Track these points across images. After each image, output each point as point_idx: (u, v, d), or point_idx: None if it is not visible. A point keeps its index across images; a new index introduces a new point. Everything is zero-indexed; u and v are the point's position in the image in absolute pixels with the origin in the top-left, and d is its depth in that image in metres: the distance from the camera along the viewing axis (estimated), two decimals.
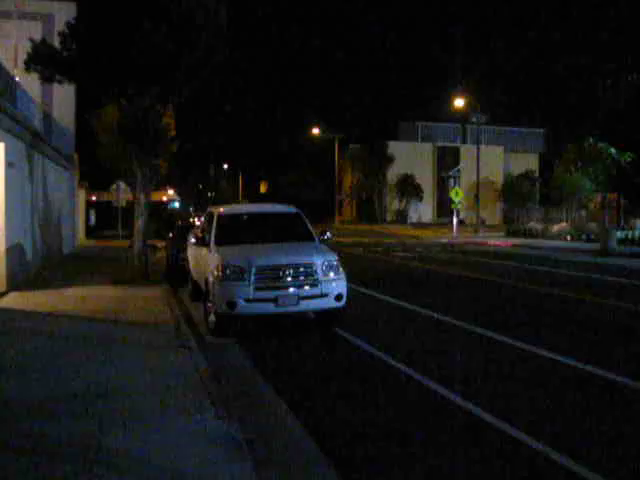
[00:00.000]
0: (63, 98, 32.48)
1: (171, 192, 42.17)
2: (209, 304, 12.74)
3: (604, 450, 6.68)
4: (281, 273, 12.08)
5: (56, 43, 18.92)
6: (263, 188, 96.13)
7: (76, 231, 37.56)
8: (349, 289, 12.96)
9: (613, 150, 30.37)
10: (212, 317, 12.52)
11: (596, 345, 11.39)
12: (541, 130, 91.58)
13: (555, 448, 6.63)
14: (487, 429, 7.27)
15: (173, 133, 32.79)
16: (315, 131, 78.54)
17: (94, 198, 56.92)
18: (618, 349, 11.06)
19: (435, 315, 14.21)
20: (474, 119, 56.32)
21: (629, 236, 36.89)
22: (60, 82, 19.28)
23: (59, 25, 21.44)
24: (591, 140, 32.70)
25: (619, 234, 35.99)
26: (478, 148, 52.29)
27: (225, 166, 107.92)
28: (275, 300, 11.97)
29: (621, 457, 6.52)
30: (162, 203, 53.85)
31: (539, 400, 8.27)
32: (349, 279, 13.21)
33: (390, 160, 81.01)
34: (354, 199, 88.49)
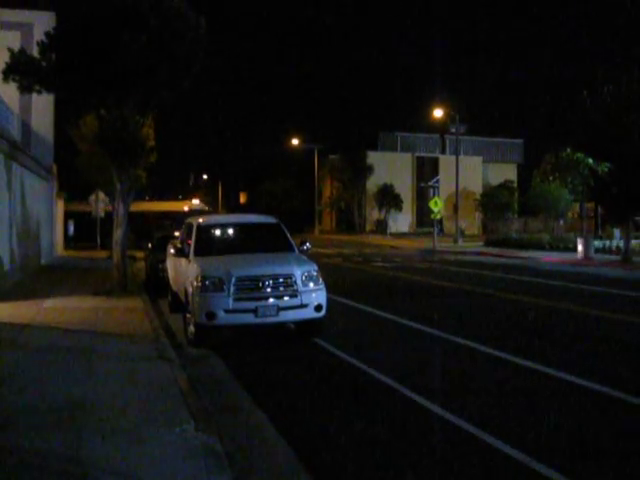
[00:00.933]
0: (42, 108, 32.32)
1: (196, 202, 40.78)
2: (188, 315, 12.71)
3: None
4: (261, 284, 12.07)
5: (35, 53, 18.84)
6: (243, 198, 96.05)
7: (55, 242, 37.31)
8: (329, 299, 12.98)
9: (590, 160, 30.64)
10: (191, 328, 12.49)
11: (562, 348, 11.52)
12: (519, 141, 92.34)
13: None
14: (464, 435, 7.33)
15: (152, 143, 32.71)
16: (295, 142, 78.67)
17: (73, 208, 56.48)
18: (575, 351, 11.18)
19: (412, 324, 14.28)
20: (453, 130, 56.69)
21: (607, 245, 37.26)
22: (39, 92, 19.18)
23: (38, 35, 21.33)
24: (568, 150, 32.97)
25: (597, 243, 36.36)
26: (457, 158, 52.59)
27: (205, 176, 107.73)
28: (255, 311, 11.97)
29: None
30: (184, 213, 50.84)
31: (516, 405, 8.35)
32: (329, 289, 13.23)
33: (369, 170, 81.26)
34: (334, 209, 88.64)
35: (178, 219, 32.94)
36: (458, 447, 7.10)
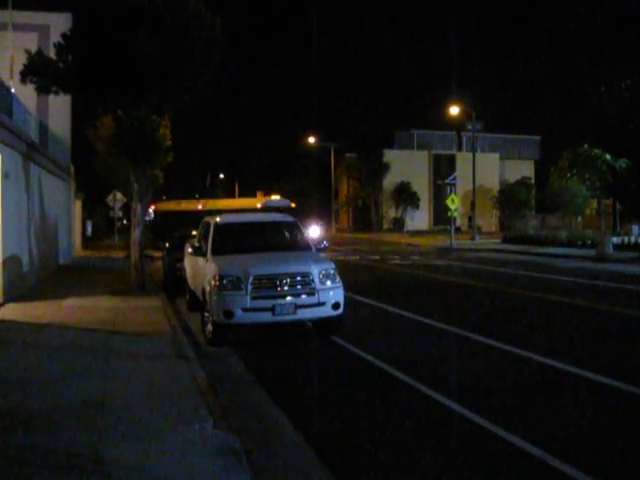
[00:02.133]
0: (59, 109, 32.50)
1: (276, 197, 38.55)
2: (206, 314, 12.74)
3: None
4: (278, 282, 12.09)
5: (52, 54, 18.96)
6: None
7: (73, 242, 37.54)
8: (346, 297, 12.98)
9: (608, 156, 30.42)
10: (209, 327, 12.52)
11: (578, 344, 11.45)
12: (536, 137, 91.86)
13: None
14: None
15: (169, 143, 32.83)
16: (311, 140, 78.69)
17: (91, 208, 56.72)
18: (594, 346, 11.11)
19: (428, 321, 14.25)
20: (469, 127, 56.46)
21: (625, 242, 36.97)
22: (56, 93, 19.31)
23: (55, 36, 21.46)
24: (586, 147, 32.78)
25: (615, 240, 36.07)
26: (474, 155, 52.38)
27: (221, 175, 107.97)
28: (272, 309, 11.98)
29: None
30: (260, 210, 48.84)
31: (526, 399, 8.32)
32: (346, 287, 13.22)
33: (386, 168, 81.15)
34: (350, 207, 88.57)
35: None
36: (470, 443, 7.10)
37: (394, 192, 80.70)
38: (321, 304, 12.29)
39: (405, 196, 79.93)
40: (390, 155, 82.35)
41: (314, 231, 30.44)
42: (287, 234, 14.73)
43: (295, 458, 6.84)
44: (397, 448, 7.08)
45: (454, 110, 53.90)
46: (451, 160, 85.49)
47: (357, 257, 35.70)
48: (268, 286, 12.07)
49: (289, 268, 12.37)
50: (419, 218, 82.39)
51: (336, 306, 12.46)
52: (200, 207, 34.68)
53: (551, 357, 10.64)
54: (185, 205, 40.57)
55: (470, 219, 59.30)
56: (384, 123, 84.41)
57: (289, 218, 15.31)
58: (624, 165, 29.33)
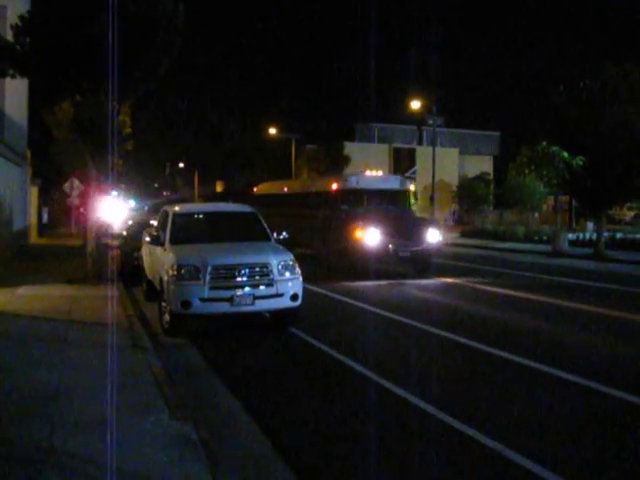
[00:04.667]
0: (15, 93, 31.89)
1: (378, 173, 31.52)
2: (164, 304, 12.64)
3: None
4: (236, 272, 12.05)
5: (9, 37, 18.58)
6: (219, 187, 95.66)
7: (28, 229, 36.95)
8: (304, 288, 12.98)
9: (565, 154, 30.80)
10: (167, 317, 12.44)
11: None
12: (496, 133, 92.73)
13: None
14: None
15: (129, 130, 32.49)
16: (272, 131, 78.48)
17: (47, 195, 55.84)
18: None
19: (386, 313, 14.36)
20: (430, 121, 56.77)
21: (580, 238, 37.55)
22: (13, 76, 18.92)
23: (12, 18, 21.03)
24: (544, 144, 33.14)
25: (571, 236, 36.64)
26: (434, 150, 52.73)
27: (181, 165, 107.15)
28: (230, 299, 11.94)
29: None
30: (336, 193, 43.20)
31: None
32: (304, 278, 13.22)
33: (346, 161, 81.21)
34: None
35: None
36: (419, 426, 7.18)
37: None
38: (279, 295, 12.28)
39: None
40: (351, 148, 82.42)
41: (432, 235, 21.92)
42: (246, 224, 14.66)
43: (251, 448, 6.84)
44: (352, 437, 7.11)
45: (415, 104, 54.14)
46: (411, 154, 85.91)
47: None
48: (226, 276, 12.02)
49: (248, 258, 12.33)
50: None
51: (294, 297, 12.46)
52: (286, 189, 30.58)
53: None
54: (275, 187, 34.26)
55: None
56: (345, 116, 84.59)
57: (248, 209, 15.26)
58: (581, 163, 29.71)
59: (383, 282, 20.04)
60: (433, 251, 22.05)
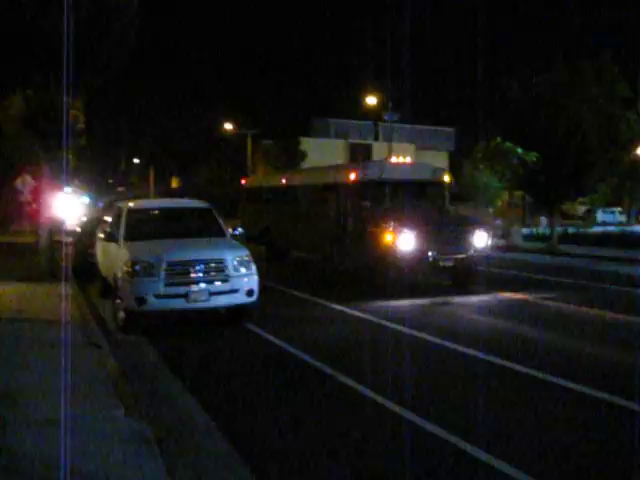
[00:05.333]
0: None
1: (401, 159, 29.91)
2: (118, 301, 12.51)
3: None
4: (191, 269, 11.98)
5: None
6: (175, 183, 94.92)
7: None
8: (260, 284, 12.95)
9: (519, 150, 31.18)
10: (121, 314, 12.31)
11: None
12: (451, 129, 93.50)
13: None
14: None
15: (82, 126, 32.04)
16: (228, 127, 78.09)
17: None
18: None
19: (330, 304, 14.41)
20: (386, 117, 57.03)
21: (534, 232, 38.11)
22: None
23: None
24: (499, 140, 33.50)
25: (525, 231, 37.18)
26: (390, 146, 53.00)
27: (136, 160, 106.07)
28: (185, 296, 11.87)
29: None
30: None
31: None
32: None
33: (303, 156, 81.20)
34: None
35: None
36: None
37: None
38: (235, 291, 12.26)
39: None
40: (307, 143, 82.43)
41: (480, 239, 17.31)
42: (201, 220, 14.57)
43: (208, 446, 6.79)
44: (309, 432, 7.12)
45: (371, 100, 54.40)
46: (368, 149, 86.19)
47: None
48: (181, 272, 11.95)
49: (203, 254, 12.27)
50: None
51: (250, 293, 12.44)
52: (284, 181, 25.01)
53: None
54: (271, 179, 29.20)
55: None
56: (301, 111, 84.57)
57: (203, 204, 15.16)
58: (534, 159, 30.13)
59: (425, 300, 15.81)
60: (480, 259, 17.67)
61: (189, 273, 11.98)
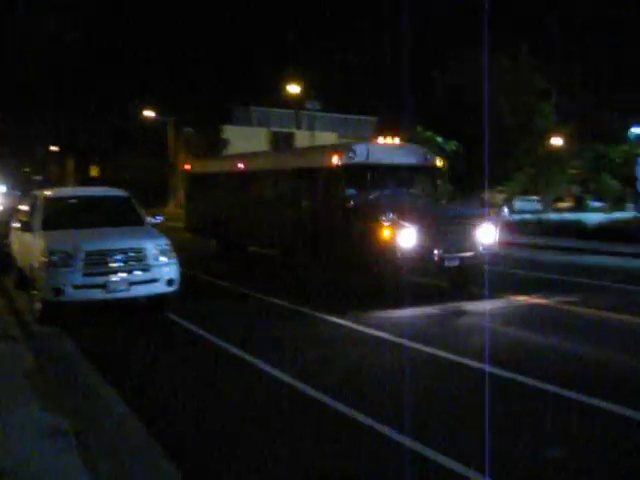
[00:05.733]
0: None
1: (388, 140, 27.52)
2: (34, 291, 12.22)
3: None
4: (110, 258, 11.78)
5: None
6: (94, 171, 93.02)
7: None
8: (182, 273, 12.84)
9: (439, 139, 31.75)
10: (38, 305, 12.03)
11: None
12: (373, 118, 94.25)
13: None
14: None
15: None
16: (149, 113, 76.90)
17: None
18: None
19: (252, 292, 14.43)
20: (309, 106, 57.14)
21: None
22: None
23: None
24: (420, 128, 34.04)
25: None
26: (313, 134, 53.13)
27: (53, 148, 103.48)
28: (104, 286, 11.67)
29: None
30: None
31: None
32: (183, 263, 13.09)
33: (225, 144, 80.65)
34: None
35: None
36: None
37: None
38: (155, 280, 12.12)
39: None
40: (229, 131, 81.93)
41: (487, 235, 14.83)
42: (120, 209, 14.32)
43: (127, 437, 6.72)
44: (229, 423, 7.13)
45: (293, 88, 54.40)
46: (290, 138, 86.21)
47: None
48: (100, 262, 11.73)
49: (122, 243, 12.08)
50: None
51: (170, 282, 12.32)
52: (242, 166, 21.40)
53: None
54: (224, 164, 24.92)
55: None
56: (223, 99, 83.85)
57: (121, 193, 14.90)
58: (454, 147, 30.72)
59: (432, 309, 13.23)
60: (488, 258, 15.14)
61: (108, 263, 11.78)
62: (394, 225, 13.64)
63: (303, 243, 16.59)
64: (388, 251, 13.68)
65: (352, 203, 15.00)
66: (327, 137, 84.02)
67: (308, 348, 10.27)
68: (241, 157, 23.94)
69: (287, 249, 18.15)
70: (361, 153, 15.88)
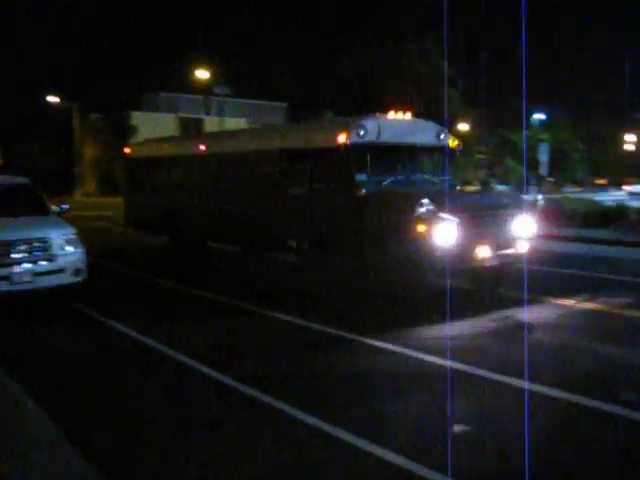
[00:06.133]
0: None
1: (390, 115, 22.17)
2: None
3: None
4: (13, 249, 11.41)
5: None
6: None
7: None
8: (89, 262, 12.56)
9: None
10: None
11: None
12: (283, 104, 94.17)
13: None
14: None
15: None
16: (52, 99, 74.73)
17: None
18: None
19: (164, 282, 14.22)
20: (218, 91, 56.60)
21: None
22: None
23: None
24: (331, 114, 34.22)
25: None
26: (222, 120, 52.69)
27: None
28: (7, 278, 11.31)
29: None
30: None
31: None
32: (90, 252, 12.81)
33: (133, 131, 79.16)
34: (97, 171, 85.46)
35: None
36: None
37: None
38: (61, 271, 11.82)
39: None
40: (137, 117, 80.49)
41: (528, 228, 12.62)
42: (22, 198, 13.84)
43: (38, 434, 6.52)
44: (140, 417, 7.03)
45: (202, 74, 53.79)
46: (199, 124, 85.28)
47: (103, 222, 34.62)
48: (2, 253, 11.34)
49: (25, 234, 11.73)
50: None
51: (77, 272, 12.05)
52: (203, 148, 17.98)
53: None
54: (180, 147, 20.94)
55: None
56: (131, 85, 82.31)
57: (23, 180, 14.41)
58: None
59: (485, 321, 11.13)
60: (528, 254, 12.72)
61: (10, 254, 11.40)
62: (431, 218, 11.14)
63: (299, 241, 14.12)
64: (423, 250, 11.22)
65: (364, 191, 12.63)
66: (237, 123, 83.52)
67: (347, 386, 8.01)
68: (201, 138, 21.05)
69: (271, 245, 15.52)
70: (372, 130, 13.28)
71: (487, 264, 11.99)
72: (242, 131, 24.10)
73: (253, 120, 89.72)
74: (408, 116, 14.71)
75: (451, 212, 11.27)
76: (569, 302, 12.59)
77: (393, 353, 9.21)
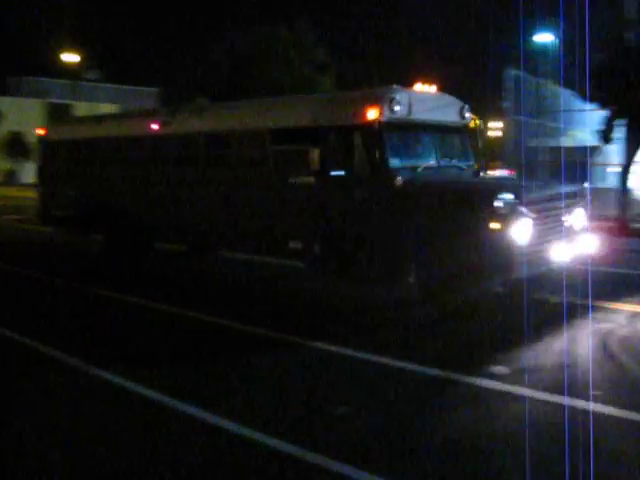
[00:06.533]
0: None
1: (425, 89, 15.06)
2: None
3: None
4: None
5: None
6: None
7: None
8: None
9: None
10: None
11: None
12: (155, 89, 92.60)
13: None
14: None
15: None
16: None
17: None
18: None
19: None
20: (89, 76, 55.18)
21: None
22: None
23: None
24: (204, 99, 34.09)
25: None
26: (92, 105, 51.40)
27: None
28: None
29: None
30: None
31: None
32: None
33: (0, 117, 75.98)
34: None
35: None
36: None
37: (7, 143, 75.97)
38: None
39: (18, 147, 75.56)
40: (4, 103, 77.26)
41: (580, 221, 10.75)
42: None
43: None
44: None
45: (70, 57, 52.26)
46: (68, 110, 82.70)
47: None
48: None
49: None
50: (32, 170, 78.59)
51: None
52: (157, 127, 14.35)
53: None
54: (120, 126, 16.50)
55: None
56: None
57: None
58: None
59: (579, 334, 9.15)
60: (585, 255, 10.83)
61: None
62: (511, 213, 9.34)
63: (310, 242, 11.25)
64: (499, 252, 9.24)
65: (400, 180, 10.35)
66: (109, 109, 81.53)
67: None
68: (153, 114, 16.25)
69: (262, 247, 12.41)
70: (404, 105, 10.93)
71: (562, 265, 10.14)
72: (215, 106, 19.40)
73: (126, 107, 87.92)
74: (433, 89, 12.37)
75: (529, 205, 9.59)
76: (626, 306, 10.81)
77: (529, 399, 6.59)
